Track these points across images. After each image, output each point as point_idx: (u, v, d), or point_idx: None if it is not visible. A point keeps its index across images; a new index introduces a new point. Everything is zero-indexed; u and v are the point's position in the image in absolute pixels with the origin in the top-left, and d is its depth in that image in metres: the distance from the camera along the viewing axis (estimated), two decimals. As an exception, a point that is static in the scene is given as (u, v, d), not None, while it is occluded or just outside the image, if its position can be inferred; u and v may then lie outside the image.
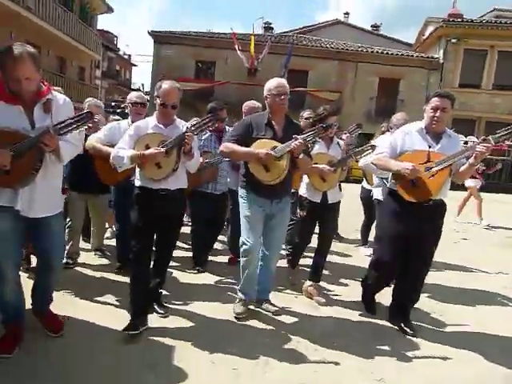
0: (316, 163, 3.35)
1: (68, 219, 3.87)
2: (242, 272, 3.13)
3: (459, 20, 18.07)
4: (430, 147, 2.90)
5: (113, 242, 4.52)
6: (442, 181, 2.88)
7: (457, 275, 4.63)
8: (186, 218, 5.31)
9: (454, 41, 18.08)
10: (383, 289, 3.40)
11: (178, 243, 4.72)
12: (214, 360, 2.51)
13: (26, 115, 2.21)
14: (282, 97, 2.94)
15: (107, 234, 4.95)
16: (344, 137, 4.18)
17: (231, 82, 17.71)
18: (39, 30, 15.20)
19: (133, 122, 3.29)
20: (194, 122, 2.77)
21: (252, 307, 3.22)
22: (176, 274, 3.90)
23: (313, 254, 3.76)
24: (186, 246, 4.69)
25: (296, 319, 3.17)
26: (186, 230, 4.50)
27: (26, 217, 2.27)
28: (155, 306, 3.03)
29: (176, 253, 4.16)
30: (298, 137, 2.84)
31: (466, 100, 17.06)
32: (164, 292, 3.22)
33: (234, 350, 2.62)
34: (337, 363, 2.58)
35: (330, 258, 4.67)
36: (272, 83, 2.99)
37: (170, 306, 3.15)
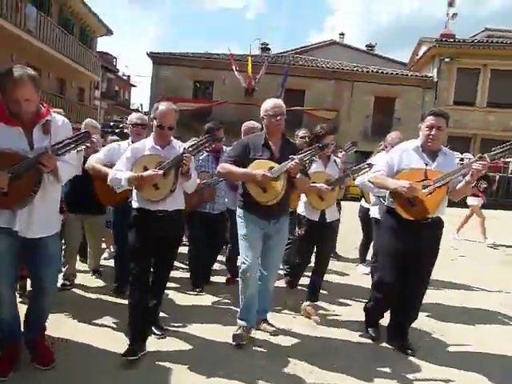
0: (314, 182, 3.36)
1: (63, 241, 3.84)
2: (242, 295, 3.05)
3: (452, 40, 18.49)
4: (426, 165, 2.93)
5: (110, 263, 4.48)
6: (440, 198, 2.89)
7: (456, 293, 4.59)
8: (184, 238, 5.30)
9: (447, 60, 18.45)
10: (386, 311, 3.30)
11: (177, 263, 4.70)
12: (212, 384, 2.46)
13: (26, 136, 2.23)
14: (279, 117, 2.96)
15: (105, 255, 4.92)
16: (340, 155, 4.22)
17: (229, 101, 17.92)
18: (40, 52, 15.46)
19: (133, 142, 3.32)
20: (192, 143, 2.79)
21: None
22: (175, 295, 3.87)
23: (309, 274, 3.73)
24: (184, 267, 4.65)
25: (295, 340, 3.13)
26: (184, 250, 4.47)
27: (23, 237, 2.26)
28: (152, 328, 2.98)
29: (174, 273, 4.15)
30: (295, 157, 2.84)
31: (461, 118, 17.29)
32: (162, 314, 3.18)
33: (232, 374, 2.57)
34: (337, 385, 2.53)
35: (328, 277, 4.64)
36: (268, 104, 3.02)
37: (169, 328, 3.10)
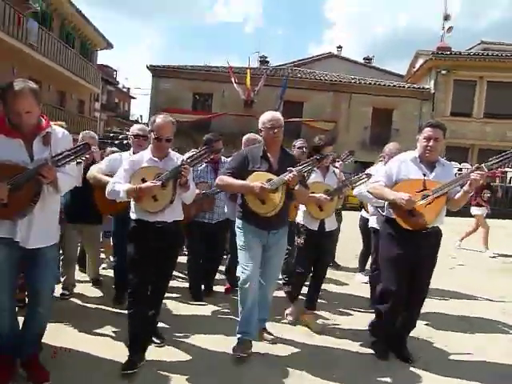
0: (313, 192, 3.38)
1: (61, 251, 3.84)
2: (241, 308, 3.00)
3: (448, 53, 18.73)
4: (424, 175, 2.95)
5: (110, 273, 4.47)
6: (439, 209, 2.91)
7: (455, 302, 4.58)
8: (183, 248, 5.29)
9: (443, 72, 18.66)
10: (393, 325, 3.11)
11: (177, 273, 4.69)
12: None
13: (26, 148, 2.26)
14: (276, 130, 2.97)
15: (104, 265, 4.91)
16: (337, 164, 4.26)
17: (228, 113, 18.06)
18: (41, 65, 15.62)
19: (134, 153, 3.35)
20: (190, 154, 2.81)
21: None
22: (174, 304, 3.85)
23: (307, 282, 3.72)
24: (184, 276, 4.64)
25: (294, 350, 3.11)
26: (183, 259, 4.47)
27: (22, 247, 2.27)
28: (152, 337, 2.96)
29: (174, 283, 4.14)
30: (293, 169, 2.86)
31: (458, 128, 17.42)
32: (162, 324, 3.17)
33: (232, 384, 2.56)
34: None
35: (327, 286, 4.65)
36: (266, 116, 3.04)
37: (168, 337, 3.09)
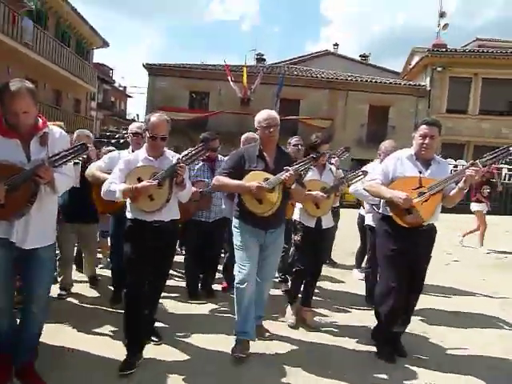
0: (309, 190, 3.39)
1: (58, 251, 3.84)
2: (238, 307, 2.98)
3: (443, 50, 18.77)
4: (420, 173, 2.97)
5: (106, 273, 4.47)
6: (435, 206, 2.93)
7: (450, 298, 4.62)
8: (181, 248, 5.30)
9: (439, 69, 18.71)
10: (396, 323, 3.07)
11: (175, 272, 4.70)
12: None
13: (23, 148, 2.25)
14: (272, 129, 2.96)
15: (101, 265, 4.92)
16: (333, 161, 4.28)
17: (225, 111, 18.05)
18: (36, 64, 15.53)
19: (133, 151, 3.35)
20: (185, 153, 2.81)
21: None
22: (174, 304, 3.86)
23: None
24: (180, 275, 4.65)
25: (291, 348, 3.13)
26: (180, 258, 4.48)
27: (18, 248, 2.27)
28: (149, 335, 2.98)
29: (171, 282, 4.15)
30: (290, 168, 2.86)
31: (454, 125, 17.51)
32: (160, 323, 3.18)
33: (228, 382, 2.58)
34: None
35: (323, 283, 4.67)
36: (261, 115, 3.02)
37: (166, 336, 3.10)
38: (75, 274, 4.25)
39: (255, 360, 2.90)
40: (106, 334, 3.13)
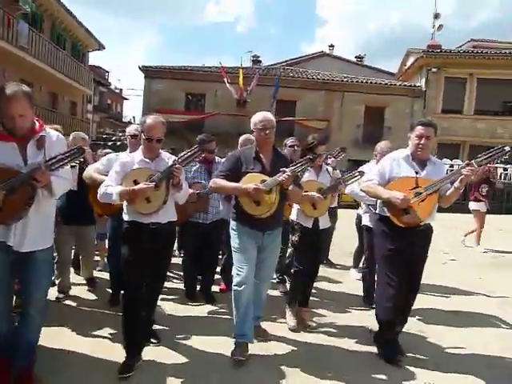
0: (306, 191, 3.40)
1: (55, 253, 3.83)
2: (236, 309, 2.98)
3: (438, 50, 18.87)
4: (416, 173, 2.98)
5: (104, 275, 4.46)
6: (432, 205, 2.95)
7: (447, 297, 4.64)
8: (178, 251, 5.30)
9: (434, 70, 18.81)
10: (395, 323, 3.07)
11: (173, 274, 4.70)
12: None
13: (20, 152, 2.25)
14: (267, 131, 2.96)
15: (99, 267, 4.91)
16: (329, 161, 4.30)
17: (221, 113, 18.05)
18: (32, 67, 15.47)
19: (131, 153, 3.35)
20: (181, 154, 2.81)
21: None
22: (173, 306, 3.86)
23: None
24: (178, 277, 4.64)
25: (289, 349, 3.13)
26: (178, 260, 4.47)
27: (16, 251, 2.26)
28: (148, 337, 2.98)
29: (169, 284, 4.14)
30: (286, 170, 2.86)
31: (450, 125, 17.60)
32: (158, 325, 3.18)
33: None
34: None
35: (321, 284, 4.68)
36: (257, 117, 3.02)
37: (164, 337, 3.10)
38: (73, 277, 4.24)
39: (254, 361, 2.90)
40: (105, 337, 3.13)
